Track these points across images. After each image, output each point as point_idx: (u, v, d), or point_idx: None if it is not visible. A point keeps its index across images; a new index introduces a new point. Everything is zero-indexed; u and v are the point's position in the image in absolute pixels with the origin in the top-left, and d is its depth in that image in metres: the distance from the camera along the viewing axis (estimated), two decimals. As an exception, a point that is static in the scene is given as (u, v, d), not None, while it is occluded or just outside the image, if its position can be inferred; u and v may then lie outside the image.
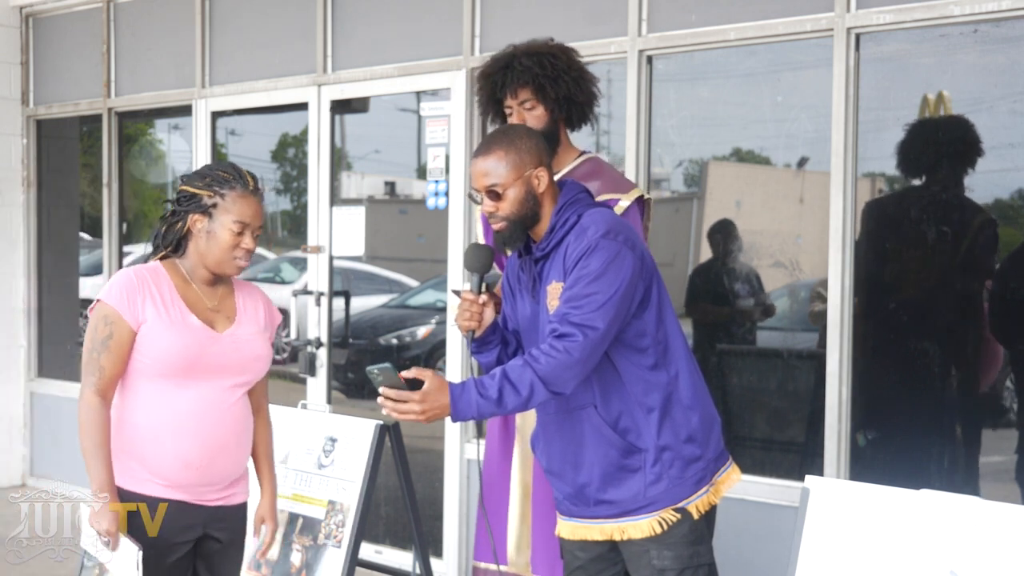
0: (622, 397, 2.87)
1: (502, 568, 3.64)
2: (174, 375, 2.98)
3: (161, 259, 3.11)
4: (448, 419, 2.76)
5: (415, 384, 2.73)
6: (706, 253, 4.91)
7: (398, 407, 2.72)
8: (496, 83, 3.52)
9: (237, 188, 3.03)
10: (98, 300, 3.01)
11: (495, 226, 2.92)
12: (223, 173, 3.06)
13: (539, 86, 3.47)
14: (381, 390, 2.73)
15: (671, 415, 2.88)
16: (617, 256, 2.78)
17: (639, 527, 2.89)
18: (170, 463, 2.99)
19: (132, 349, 2.98)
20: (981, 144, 4.05)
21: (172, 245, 3.09)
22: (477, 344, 3.04)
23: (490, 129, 3.65)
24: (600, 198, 3.44)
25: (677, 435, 2.88)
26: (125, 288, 2.98)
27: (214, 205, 3.02)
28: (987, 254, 4.14)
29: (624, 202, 3.48)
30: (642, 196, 3.55)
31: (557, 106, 3.50)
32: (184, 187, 3.08)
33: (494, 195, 2.88)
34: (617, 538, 2.94)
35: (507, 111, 3.54)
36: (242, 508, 3.20)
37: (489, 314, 3.02)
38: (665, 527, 2.88)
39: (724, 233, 4.85)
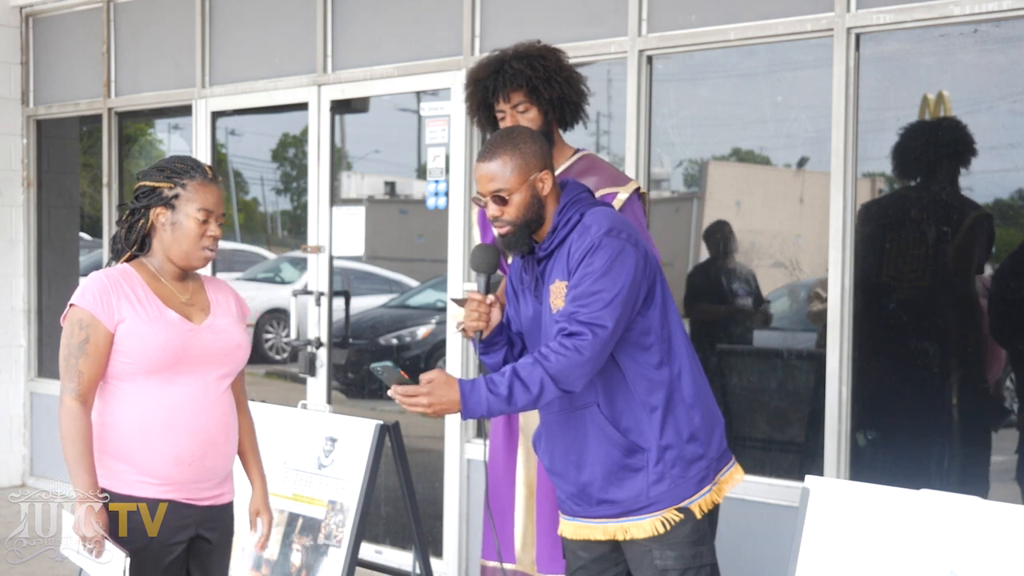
0: (625, 396, 2.88)
1: (510, 566, 3.65)
2: (159, 371, 2.97)
3: (127, 260, 3.09)
4: (449, 417, 2.77)
5: (417, 380, 2.77)
6: (705, 253, 4.91)
7: (406, 400, 2.75)
8: (488, 87, 3.52)
9: (197, 177, 3.02)
10: (71, 305, 2.98)
11: (501, 231, 2.92)
12: (180, 164, 3.05)
13: (532, 88, 3.47)
14: (392, 386, 2.78)
15: (674, 414, 2.88)
16: (621, 253, 2.78)
17: (641, 527, 2.89)
18: (162, 461, 2.98)
19: (110, 351, 2.96)
20: (975, 144, 4.05)
21: (136, 244, 3.07)
22: (484, 345, 3.03)
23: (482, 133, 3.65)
24: (599, 193, 3.46)
25: (679, 434, 2.88)
26: (98, 290, 2.96)
27: (176, 196, 3.00)
28: (979, 249, 4.13)
29: (623, 195, 3.50)
30: (639, 189, 3.57)
31: (551, 107, 3.51)
32: (143, 182, 3.05)
33: (500, 200, 2.88)
34: (620, 538, 2.94)
35: (499, 115, 3.54)
36: (230, 508, 3.21)
37: (496, 315, 3.02)
38: (668, 527, 2.88)
39: (721, 233, 4.85)
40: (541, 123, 3.51)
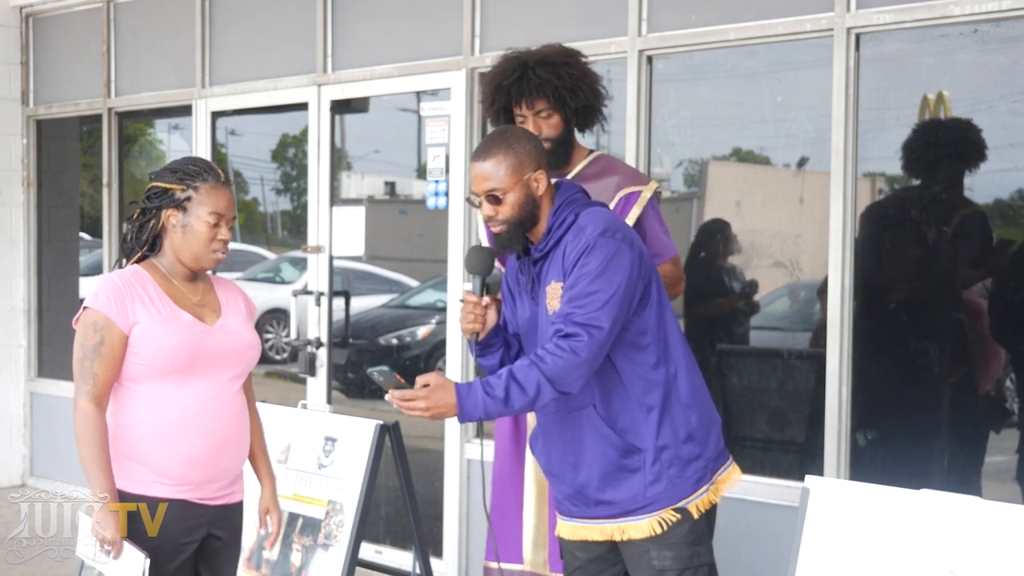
0: (622, 397, 2.87)
1: (517, 567, 3.65)
2: (173, 373, 2.98)
3: (137, 262, 3.10)
4: (450, 419, 2.77)
5: (414, 384, 2.77)
6: (704, 253, 4.91)
7: (404, 404, 2.75)
8: (510, 93, 3.52)
9: (209, 180, 3.03)
10: (85, 307, 2.99)
11: (494, 229, 2.92)
12: (193, 166, 3.06)
13: (559, 97, 3.48)
14: (389, 390, 2.78)
15: (670, 414, 2.88)
16: (616, 253, 2.78)
17: (639, 527, 2.89)
18: (176, 462, 2.99)
19: (125, 353, 2.97)
20: (984, 147, 4.05)
21: (147, 244, 3.08)
22: (480, 347, 3.03)
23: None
24: (623, 191, 3.50)
25: (676, 434, 2.88)
26: (112, 292, 2.96)
27: (188, 198, 3.01)
28: (972, 245, 4.13)
29: (647, 193, 3.54)
30: (657, 188, 3.62)
31: (575, 115, 3.52)
32: (155, 183, 3.06)
33: (494, 199, 2.88)
34: (617, 538, 2.94)
35: (519, 119, 3.54)
36: (240, 507, 3.22)
37: (492, 316, 3.02)
38: (665, 527, 2.87)
39: (721, 233, 4.85)
40: (562, 128, 3.53)
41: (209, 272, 3.22)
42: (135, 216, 3.11)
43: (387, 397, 2.78)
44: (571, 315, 2.75)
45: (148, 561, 2.84)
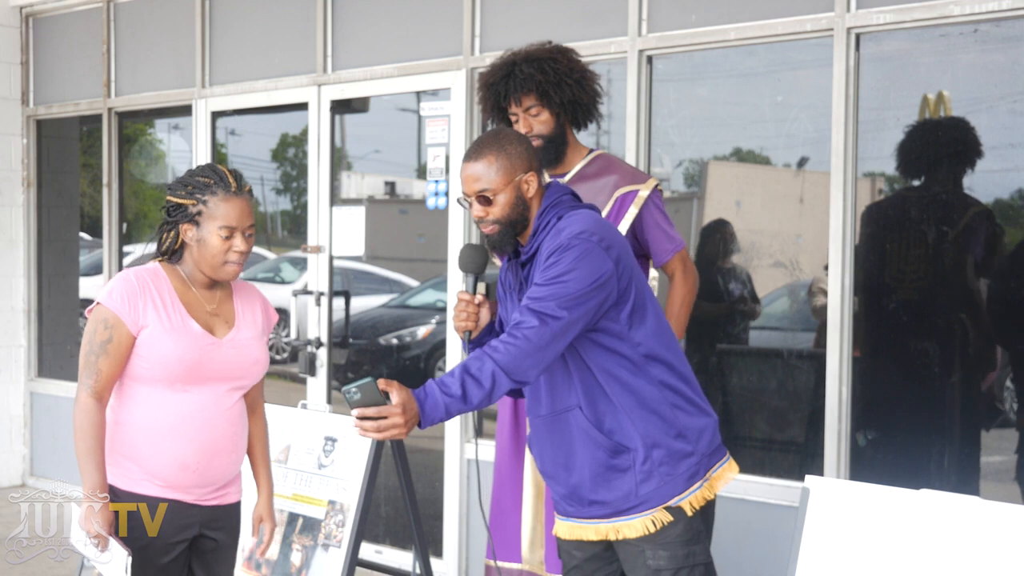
0: (605, 398, 2.86)
1: (516, 566, 3.66)
2: (173, 380, 2.98)
3: (161, 260, 3.11)
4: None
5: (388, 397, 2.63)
6: (704, 253, 4.91)
7: (379, 424, 2.62)
8: (499, 92, 3.53)
9: (219, 192, 2.98)
10: (98, 303, 3.00)
11: (485, 231, 2.92)
12: (203, 179, 3.01)
13: (543, 92, 3.48)
14: (356, 412, 2.61)
15: (658, 413, 2.85)
16: (587, 254, 2.75)
17: (633, 526, 2.88)
18: (167, 465, 3.00)
19: (131, 353, 2.98)
20: (980, 145, 4.05)
21: (167, 256, 3.08)
22: (473, 345, 3.02)
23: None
24: (620, 191, 3.50)
25: (666, 432, 2.86)
26: (126, 292, 2.97)
27: (199, 213, 2.98)
28: (977, 245, 4.13)
29: (644, 192, 3.53)
30: (657, 185, 3.60)
31: (562, 110, 3.52)
32: (169, 197, 3.04)
33: (484, 200, 2.87)
34: (612, 538, 2.94)
35: (512, 118, 3.55)
36: (236, 507, 3.21)
37: (485, 315, 3.01)
38: (659, 526, 2.87)
39: (721, 233, 4.85)
40: (554, 125, 3.53)
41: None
42: (158, 229, 3.11)
43: (355, 423, 2.61)
44: (528, 304, 2.74)
45: (130, 558, 2.86)
